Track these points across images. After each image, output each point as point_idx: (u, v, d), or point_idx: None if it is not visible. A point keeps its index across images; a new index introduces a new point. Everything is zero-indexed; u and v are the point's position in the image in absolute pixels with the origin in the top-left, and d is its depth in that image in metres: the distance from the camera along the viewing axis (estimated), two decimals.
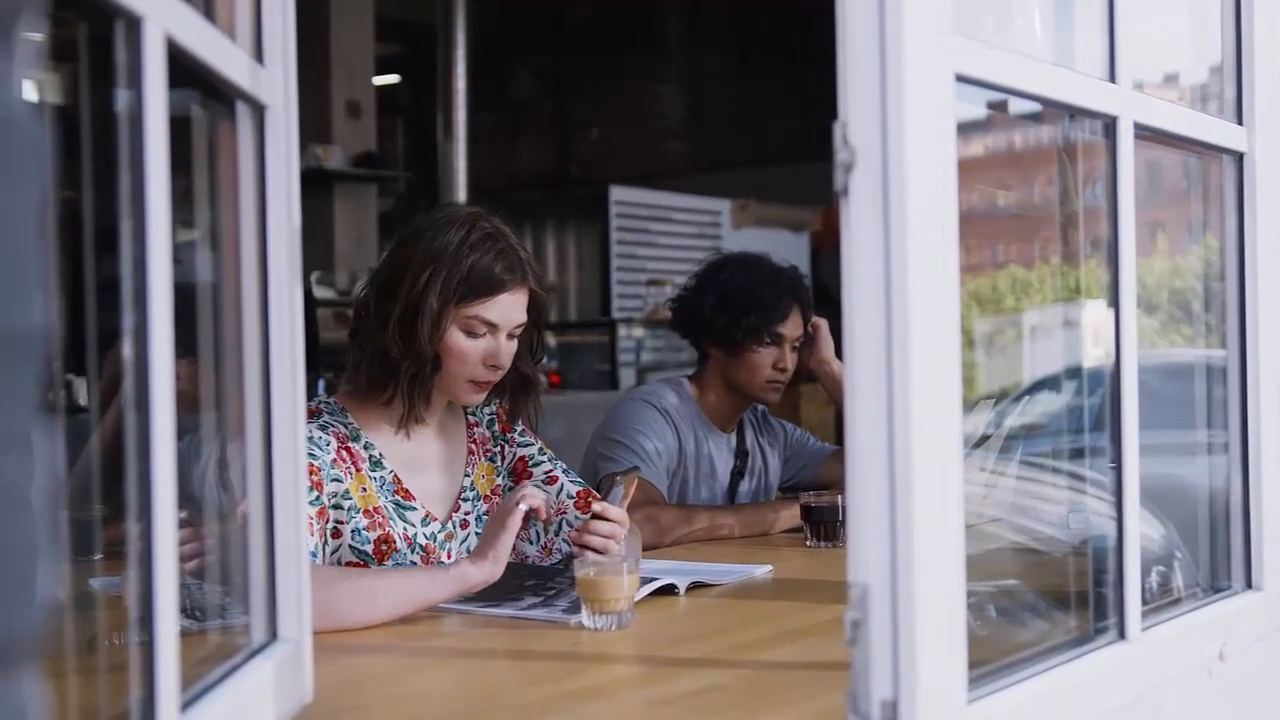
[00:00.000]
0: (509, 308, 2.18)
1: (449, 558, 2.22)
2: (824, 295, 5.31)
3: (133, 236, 0.99)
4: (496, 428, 2.38)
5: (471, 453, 2.33)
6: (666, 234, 8.23)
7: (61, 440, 0.66)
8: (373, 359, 2.17)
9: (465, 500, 2.29)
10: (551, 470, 2.37)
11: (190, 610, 1.30)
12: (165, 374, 1.00)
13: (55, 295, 0.61)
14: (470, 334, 2.16)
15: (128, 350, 0.99)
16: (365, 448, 2.19)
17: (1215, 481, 1.91)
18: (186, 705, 1.08)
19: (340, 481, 2.11)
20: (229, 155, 1.32)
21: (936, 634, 1.17)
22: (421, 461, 2.25)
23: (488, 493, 2.33)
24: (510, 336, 2.20)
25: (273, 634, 1.36)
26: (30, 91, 0.60)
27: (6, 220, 0.55)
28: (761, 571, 2.33)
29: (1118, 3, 1.51)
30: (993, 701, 1.27)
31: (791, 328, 2.99)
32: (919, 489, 1.15)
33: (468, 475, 2.31)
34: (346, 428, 2.19)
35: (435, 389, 2.21)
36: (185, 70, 1.10)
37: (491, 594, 2.01)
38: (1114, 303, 1.52)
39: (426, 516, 2.21)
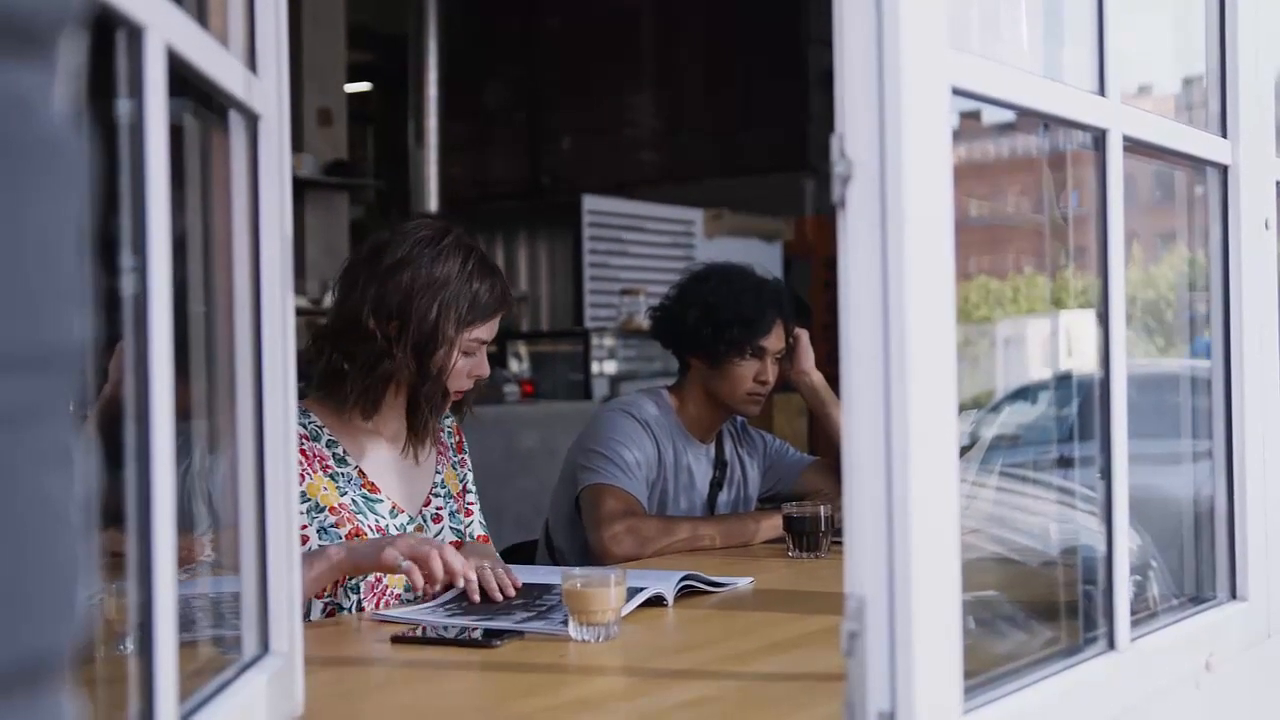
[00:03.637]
0: (497, 325, 2.32)
1: None
2: (796, 305, 5.32)
3: (133, 246, 0.98)
4: (454, 440, 2.49)
5: (440, 453, 2.43)
6: (640, 243, 8.22)
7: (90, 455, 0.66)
8: (381, 382, 2.24)
9: (437, 496, 2.38)
10: (474, 504, 2.48)
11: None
12: (165, 384, 0.99)
13: (92, 310, 0.60)
14: (466, 354, 2.28)
15: (127, 360, 0.98)
16: (328, 445, 2.25)
17: (1198, 492, 1.92)
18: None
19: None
20: (221, 164, 1.32)
21: (933, 645, 1.17)
22: (389, 459, 2.32)
23: (456, 492, 2.43)
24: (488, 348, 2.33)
25: (264, 647, 1.35)
26: (70, 104, 0.60)
27: (50, 236, 0.55)
28: (744, 583, 2.32)
29: (1107, 15, 1.52)
30: (988, 712, 1.27)
31: (774, 341, 2.99)
32: (916, 501, 1.15)
33: (438, 473, 2.40)
34: (305, 427, 2.23)
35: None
36: (179, 79, 1.10)
37: (483, 610, 2.01)
38: (1103, 313, 1.53)
39: (394, 509, 2.28)
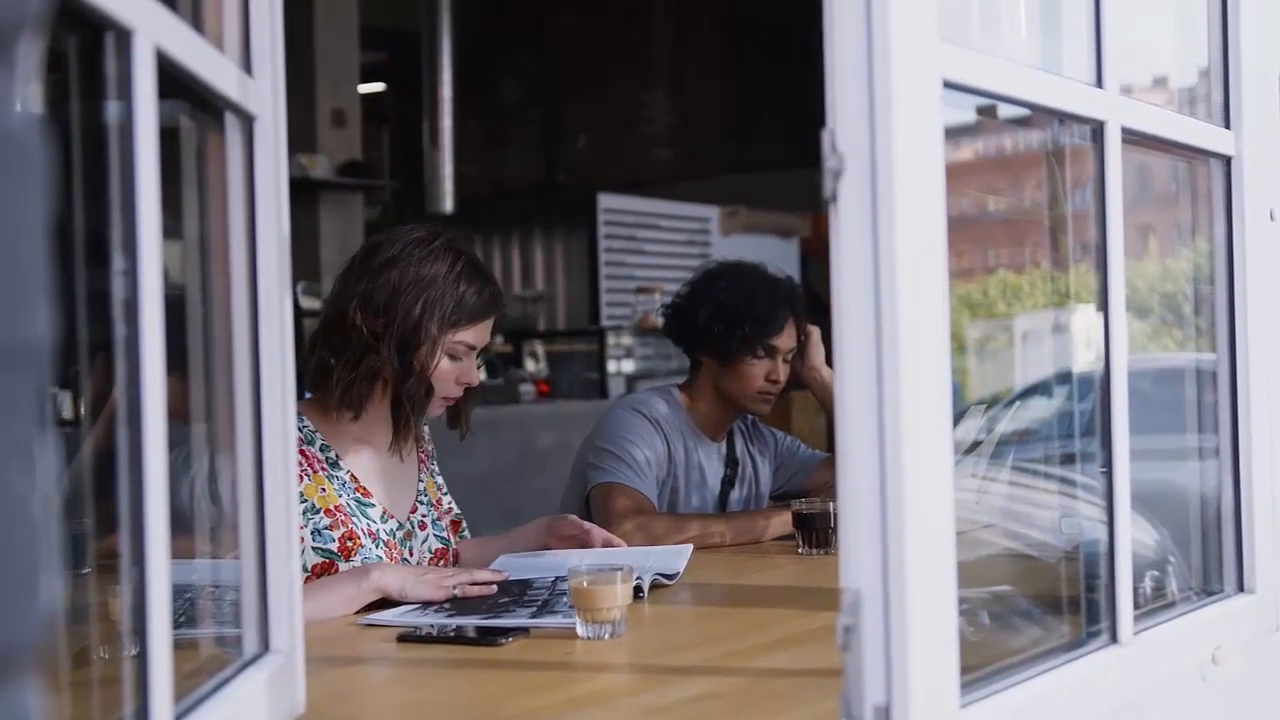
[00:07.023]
0: (487, 332, 2.34)
1: (410, 555, 2.35)
2: (813, 301, 5.32)
3: (123, 248, 0.99)
4: (430, 448, 2.53)
5: (422, 462, 2.47)
6: (655, 241, 8.22)
7: (58, 451, 0.67)
8: (365, 378, 2.25)
9: (421, 503, 2.42)
10: (450, 508, 2.52)
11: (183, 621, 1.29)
12: (156, 386, 1.00)
13: (56, 307, 0.61)
14: (452, 357, 2.30)
15: (119, 363, 0.99)
16: (321, 450, 2.29)
17: (1206, 485, 1.91)
18: (179, 717, 1.08)
19: None
20: (217, 166, 1.32)
21: (929, 639, 1.17)
22: (377, 466, 2.36)
23: (435, 500, 2.47)
24: (479, 355, 2.35)
25: (265, 645, 1.35)
26: (30, 104, 0.60)
27: (11, 233, 0.56)
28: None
29: (1104, 7, 1.52)
30: (986, 706, 1.27)
31: (786, 340, 2.99)
32: (910, 494, 1.15)
33: (421, 481, 2.45)
34: (301, 431, 2.26)
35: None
36: (173, 81, 1.10)
37: (474, 609, 2.00)
38: (1103, 306, 1.52)
39: (384, 514, 2.32)
